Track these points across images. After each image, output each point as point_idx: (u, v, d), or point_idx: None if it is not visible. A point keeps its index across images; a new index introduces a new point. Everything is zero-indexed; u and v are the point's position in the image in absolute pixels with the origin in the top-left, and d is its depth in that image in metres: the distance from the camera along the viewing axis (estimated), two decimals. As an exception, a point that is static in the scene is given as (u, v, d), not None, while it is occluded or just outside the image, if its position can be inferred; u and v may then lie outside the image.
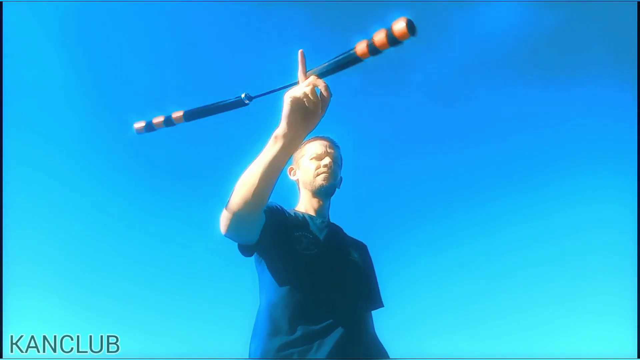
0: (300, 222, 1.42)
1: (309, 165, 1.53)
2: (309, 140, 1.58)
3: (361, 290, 1.40)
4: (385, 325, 1.45)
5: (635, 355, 2.17)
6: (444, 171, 5.10)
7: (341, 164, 1.61)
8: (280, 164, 1.05)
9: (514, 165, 4.93)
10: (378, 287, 1.49)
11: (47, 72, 4.54)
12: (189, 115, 1.15)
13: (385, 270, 1.65)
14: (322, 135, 1.60)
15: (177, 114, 1.16)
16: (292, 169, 1.62)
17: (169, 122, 1.17)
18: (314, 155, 1.53)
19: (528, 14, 4.49)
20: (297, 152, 1.59)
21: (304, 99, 0.99)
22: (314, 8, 4.55)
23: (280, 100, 1.03)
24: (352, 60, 0.95)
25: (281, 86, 1.04)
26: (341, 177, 1.62)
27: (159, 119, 1.18)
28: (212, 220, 1.19)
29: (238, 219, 1.11)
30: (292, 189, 1.64)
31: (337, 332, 1.23)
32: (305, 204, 1.53)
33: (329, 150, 1.54)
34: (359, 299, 1.36)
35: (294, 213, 1.46)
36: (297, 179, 1.58)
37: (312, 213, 1.51)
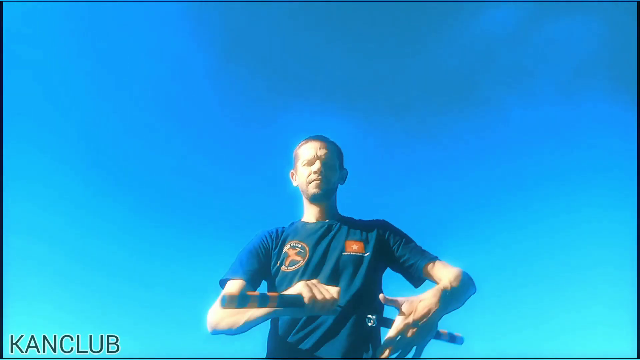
0: (293, 234, 1.48)
1: (302, 172, 1.52)
2: (302, 143, 1.56)
3: (357, 282, 1.35)
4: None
5: (635, 355, 2.17)
6: (442, 172, 5.11)
7: (338, 160, 1.56)
8: (259, 320, 1.20)
9: (516, 167, 4.93)
10: (408, 254, 1.43)
11: (47, 73, 4.54)
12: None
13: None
14: (313, 136, 1.56)
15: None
16: (293, 173, 1.61)
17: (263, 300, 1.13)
18: (305, 162, 1.51)
19: (526, 13, 4.49)
20: (295, 156, 1.58)
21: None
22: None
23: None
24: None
25: None
26: (346, 170, 1.58)
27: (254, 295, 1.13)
28: (212, 220, 1.22)
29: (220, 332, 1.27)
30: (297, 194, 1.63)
31: (316, 341, 1.27)
32: (306, 210, 1.55)
33: (319, 153, 1.50)
34: (350, 293, 1.33)
35: (294, 223, 1.52)
36: (298, 185, 1.58)
37: (313, 219, 1.53)
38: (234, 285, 1.34)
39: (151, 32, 4.71)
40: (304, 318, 1.30)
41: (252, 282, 1.37)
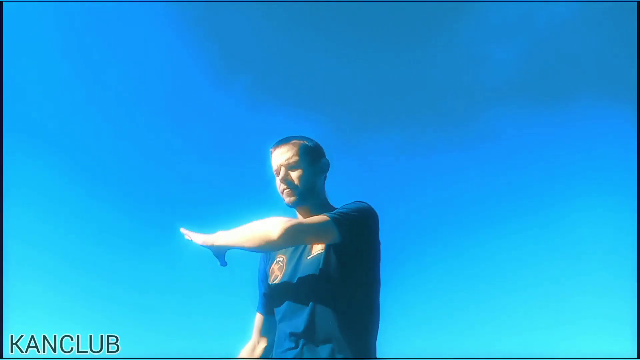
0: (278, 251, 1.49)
1: (276, 184, 1.48)
2: (271, 152, 1.50)
3: (315, 287, 1.30)
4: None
5: (635, 355, 2.17)
6: (440, 174, 5.12)
7: (306, 156, 1.46)
8: None
9: (512, 164, 4.94)
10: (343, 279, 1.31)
11: (47, 73, 4.55)
12: None
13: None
14: (275, 143, 1.50)
15: None
16: None
17: None
18: (274, 172, 1.47)
19: (523, 13, 4.49)
20: None
21: None
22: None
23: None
24: None
25: None
26: (326, 161, 1.50)
27: None
28: (213, 219, 1.23)
29: None
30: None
31: (294, 349, 1.27)
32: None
33: (279, 161, 1.44)
34: (310, 301, 1.29)
35: None
36: None
37: None
38: (257, 319, 1.54)
39: (135, 32, 4.72)
40: (282, 334, 1.33)
41: (268, 310, 1.48)
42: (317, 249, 1.34)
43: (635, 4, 2.90)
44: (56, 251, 4.50)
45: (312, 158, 1.47)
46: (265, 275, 1.51)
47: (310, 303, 1.28)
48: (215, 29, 4.82)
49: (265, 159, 1.49)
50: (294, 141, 1.47)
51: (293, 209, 1.51)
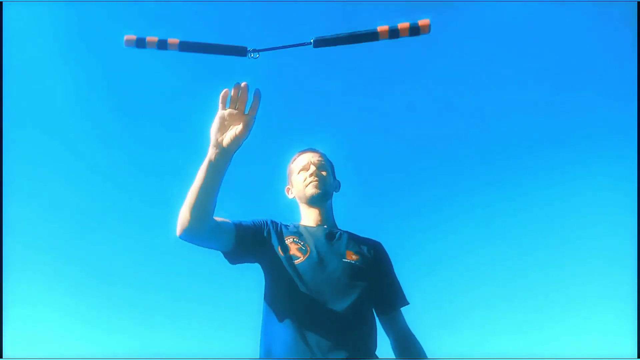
0: (293, 230, 1.47)
1: (298, 178, 1.57)
2: (295, 157, 1.63)
3: (354, 291, 1.35)
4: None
5: (635, 355, 2.17)
6: (440, 171, 5.12)
7: (331, 169, 1.62)
8: (208, 179, 1.18)
9: (513, 161, 4.94)
10: (389, 286, 1.48)
11: (47, 72, 4.55)
12: (185, 45, 1.15)
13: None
14: (305, 149, 1.64)
15: (173, 40, 1.15)
16: (288, 188, 1.64)
17: (162, 44, 1.15)
18: (300, 168, 1.57)
19: (524, 12, 4.49)
20: (289, 171, 1.63)
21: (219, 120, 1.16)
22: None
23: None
24: (369, 35, 1.11)
25: (291, 44, 1.13)
26: (339, 181, 1.64)
27: (152, 39, 1.16)
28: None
29: (187, 228, 1.21)
30: (293, 208, 1.63)
31: (322, 337, 1.25)
32: (305, 217, 1.55)
33: (312, 160, 1.57)
34: (349, 300, 1.32)
35: (292, 223, 1.53)
36: (294, 196, 1.60)
37: (312, 223, 1.52)
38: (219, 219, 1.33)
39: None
40: (304, 331, 1.27)
41: (238, 228, 1.35)
42: (354, 258, 1.41)
43: (635, 4, 2.90)
44: (56, 252, 4.51)
45: (334, 173, 1.63)
46: (268, 230, 1.44)
47: (343, 308, 1.29)
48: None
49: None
50: (323, 153, 1.63)
51: (295, 207, 1.59)
